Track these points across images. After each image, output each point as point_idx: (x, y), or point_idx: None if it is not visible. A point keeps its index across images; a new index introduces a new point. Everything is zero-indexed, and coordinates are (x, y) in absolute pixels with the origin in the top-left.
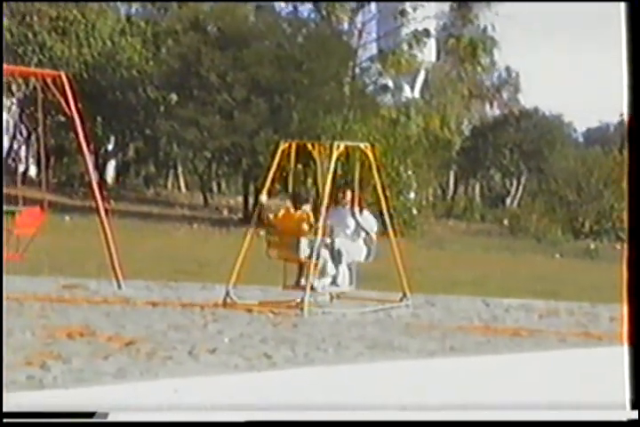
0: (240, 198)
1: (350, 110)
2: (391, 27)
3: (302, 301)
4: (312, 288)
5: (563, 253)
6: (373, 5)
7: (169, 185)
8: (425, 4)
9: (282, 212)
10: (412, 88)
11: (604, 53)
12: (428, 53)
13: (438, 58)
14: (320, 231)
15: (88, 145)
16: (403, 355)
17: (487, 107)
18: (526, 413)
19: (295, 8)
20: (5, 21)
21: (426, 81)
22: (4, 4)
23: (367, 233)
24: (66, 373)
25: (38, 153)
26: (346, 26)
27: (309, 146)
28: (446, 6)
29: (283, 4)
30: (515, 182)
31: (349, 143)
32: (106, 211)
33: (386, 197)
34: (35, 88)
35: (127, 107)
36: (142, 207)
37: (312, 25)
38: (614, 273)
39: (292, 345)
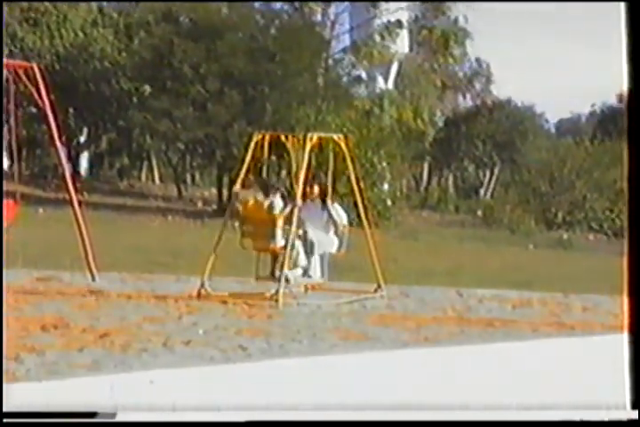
0: (214, 190)
1: (324, 102)
2: (364, 18)
3: (277, 292)
4: (287, 280)
5: (536, 243)
6: None
7: (143, 177)
8: None
9: (251, 201)
10: (386, 79)
11: (575, 44)
12: (401, 45)
13: (411, 49)
14: (295, 222)
15: (60, 137)
16: (377, 345)
17: (460, 98)
18: (501, 412)
19: None
20: None
21: (399, 72)
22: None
23: (336, 225)
24: (39, 365)
25: (10, 145)
26: (319, 17)
27: (283, 137)
28: None
29: None
30: (488, 173)
31: (323, 134)
32: (79, 203)
33: (360, 188)
34: (6, 80)
35: (100, 98)
36: (116, 199)
37: (285, 16)
38: (587, 263)
39: (266, 337)
